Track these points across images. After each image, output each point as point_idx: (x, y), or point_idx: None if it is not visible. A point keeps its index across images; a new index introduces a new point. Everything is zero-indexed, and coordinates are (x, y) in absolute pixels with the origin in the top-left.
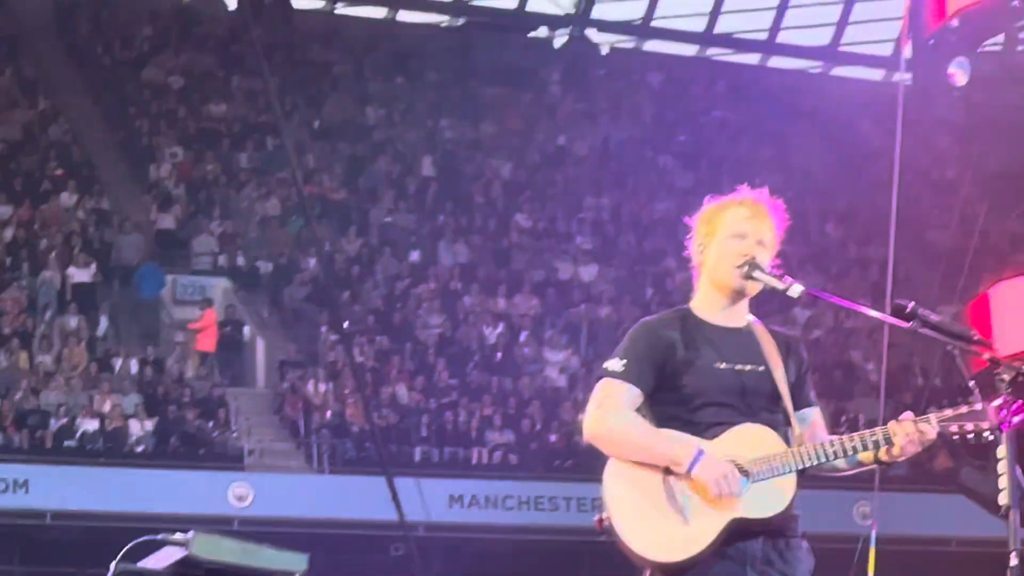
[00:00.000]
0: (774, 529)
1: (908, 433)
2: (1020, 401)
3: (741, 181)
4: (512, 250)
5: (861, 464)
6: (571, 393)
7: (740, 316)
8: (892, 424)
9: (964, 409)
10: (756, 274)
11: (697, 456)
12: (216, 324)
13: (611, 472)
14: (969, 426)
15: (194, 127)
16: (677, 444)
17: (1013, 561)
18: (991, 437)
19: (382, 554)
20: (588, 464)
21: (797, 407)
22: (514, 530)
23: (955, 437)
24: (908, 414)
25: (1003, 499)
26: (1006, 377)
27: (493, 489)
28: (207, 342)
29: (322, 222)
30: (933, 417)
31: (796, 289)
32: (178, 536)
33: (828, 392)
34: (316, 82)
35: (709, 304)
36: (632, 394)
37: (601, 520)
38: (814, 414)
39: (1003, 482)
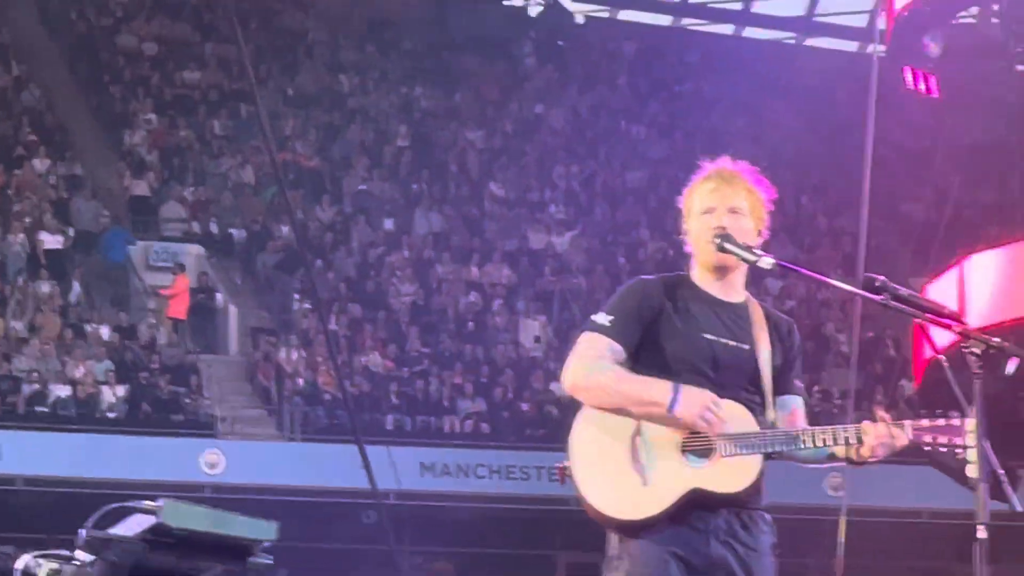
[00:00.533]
0: (738, 502)
1: (880, 435)
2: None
3: (714, 152)
4: (485, 219)
5: (831, 459)
6: (543, 362)
7: (736, 291)
8: (866, 424)
9: (941, 421)
10: (727, 246)
11: (675, 394)
12: (188, 291)
13: (581, 422)
14: (943, 439)
15: (168, 94)
16: (654, 385)
17: (981, 533)
18: (964, 454)
19: (353, 522)
20: (559, 433)
21: (779, 392)
22: (485, 499)
23: (927, 448)
24: (884, 415)
25: (972, 472)
26: (976, 351)
27: (465, 458)
28: (179, 309)
29: (296, 190)
30: (909, 425)
31: (767, 261)
32: (148, 503)
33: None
34: (290, 50)
35: (702, 277)
36: (614, 349)
37: (563, 468)
38: (796, 402)
39: (972, 455)
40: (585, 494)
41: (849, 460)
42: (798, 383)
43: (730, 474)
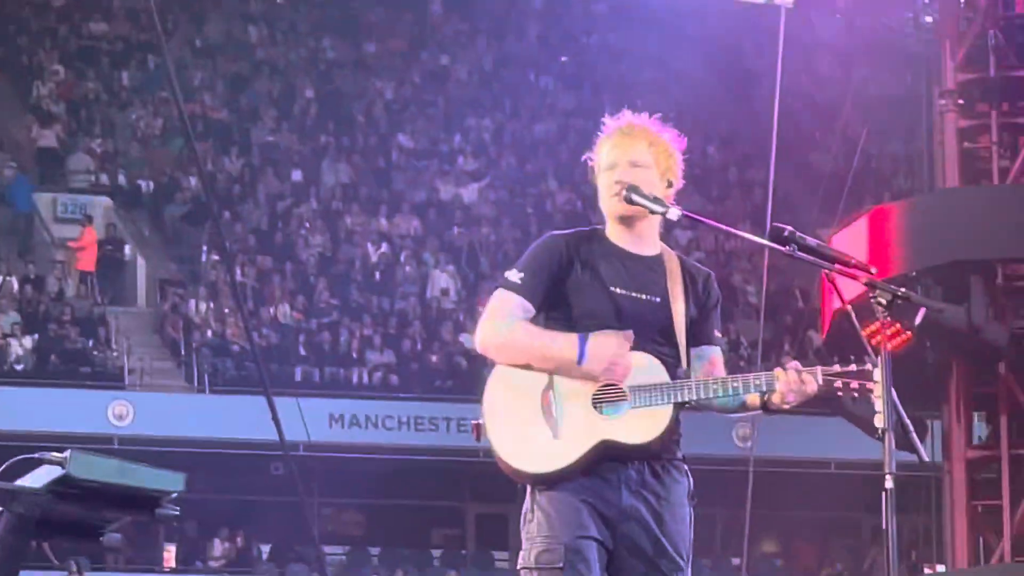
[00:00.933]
0: (651, 452)
1: (791, 382)
2: (897, 324)
3: (622, 104)
4: (394, 170)
5: (746, 407)
6: (452, 314)
7: (649, 244)
8: (778, 371)
9: (852, 367)
10: (634, 197)
11: (582, 347)
12: (96, 243)
13: (493, 379)
14: (854, 384)
15: (75, 45)
16: (561, 340)
17: (888, 483)
18: (876, 398)
19: (262, 473)
20: (468, 384)
21: (698, 343)
22: (394, 450)
23: (839, 393)
24: (795, 364)
25: (879, 422)
26: (883, 301)
27: (373, 409)
28: (88, 261)
29: (203, 141)
30: (819, 371)
31: (674, 212)
32: (55, 455)
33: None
34: (198, 1)
35: (614, 230)
36: (524, 307)
37: (478, 425)
38: (714, 352)
39: (879, 405)
40: (498, 449)
41: (763, 407)
42: (716, 334)
43: (640, 425)
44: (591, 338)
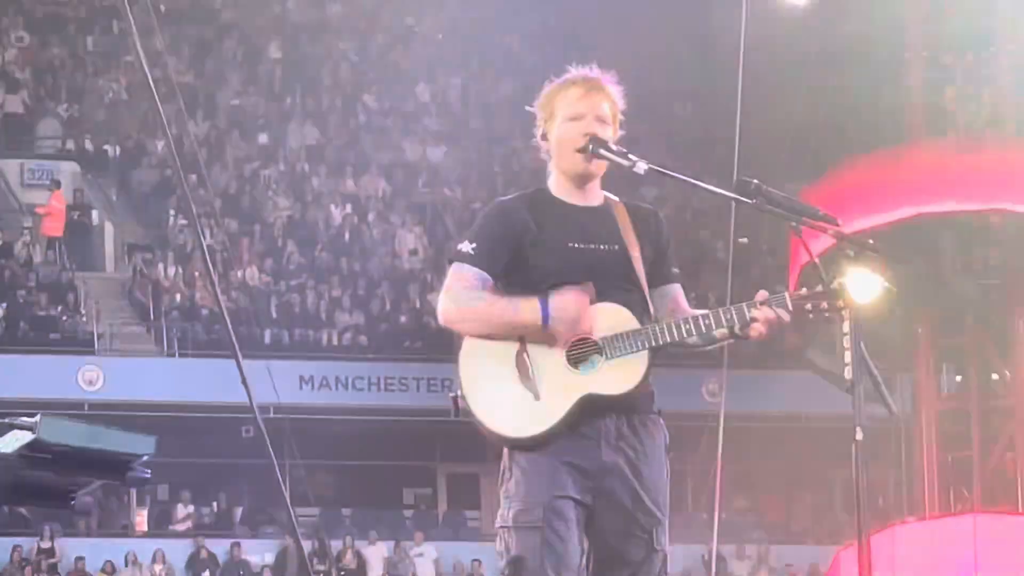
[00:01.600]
0: (627, 406)
1: (765, 312)
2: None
3: (587, 62)
4: (360, 131)
5: (716, 341)
6: (420, 274)
7: (595, 195)
8: (747, 303)
9: (820, 288)
10: (603, 152)
11: (545, 310)
12: (64, 208)
13: (466, 351)
14: (824, 304)
15: (40, 11)
16: (523, 305)
17: (858, 435)
18: (846, 317)
19: (233, 436)
20: (437, 344)
21: (657, 283)
22: (364, 411)
23: (810, 315)
24: (763, 293)
25: (848, 374)
26: (851, 253)
27: (343, 370)
28: (55, 227)
29: (169, 105)
30: (787, 296)
31: (641, 166)
32: (25, 419)
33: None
34: None
35: (561, 186)
36: (482, 278)
37: (456, 398)
38: (674, 289)
39: (848, 357)
40: (481, 419)
41: (735, 336)
42: (674, 270)
43: (619, 375)
44: (552, 298)
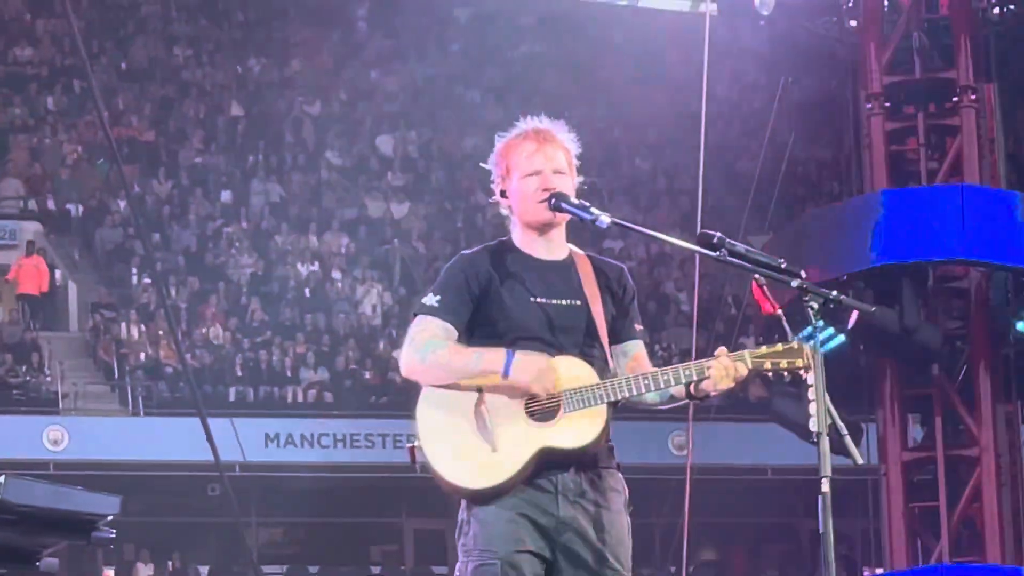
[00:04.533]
0: (587, 460)
1: (724, 367)
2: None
3: (550, 115)
4: (323, 188)
5: (674, 399)
6: (384, 330)
7: (559, 248)
8: (706, 360)
9: (779, 346)
10: (564, 206)
11: (508, 360)
12: (41, 266)
13: (424, 400)
14: (783, 363)
15: (1, 71)
16: (487, 355)
17: (824, 487)
18: (805, 375)
19: (199, 495)
20: (403, 400)
21: (619, 340)
22: (330, 468)
23: (770, 374)
24: (722, 349)
25: (813, 426)
26: (815, 305)
27: (308, 427)
28: (30, 285)
29: (131, 164)
30: (747, 354)
31: (603, 220)
32: None
33: (642, 324)
34: (123, 24)
35: (524, 238)
36: (446, 329)
37: (413, 448)
38: (636, 348)
39: (813, 409)
40: (438, 469)
41: (691, 396)
42: (637, 327)
43: (577, 428)
44: (517, 354)
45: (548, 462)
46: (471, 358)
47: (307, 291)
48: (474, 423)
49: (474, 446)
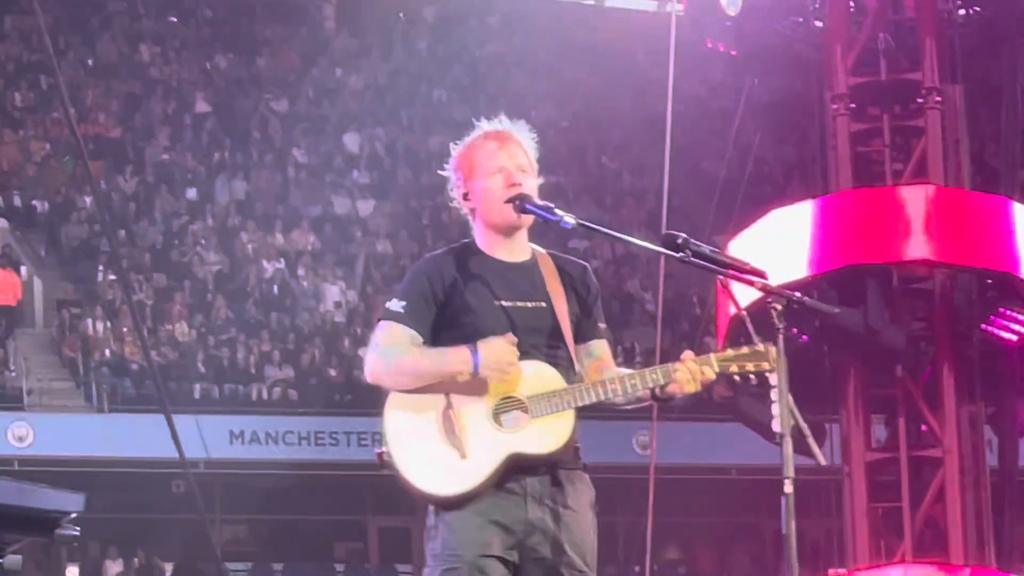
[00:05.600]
0: (554, 463)
1: (691, 371)
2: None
3: (516, 115)
4: (289, 186)
5: (639, 400)
6: (350, 328)
7: (522, 249)
8: (675, 364)
9: (745, 349)
10: (528, 207)
11: (475, 356)
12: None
13: (391, 406)
14: (750, 366)
15: None
16: (452, 354)
17: (787, 487)
18: (767, 377)
19: (163, 491)
20: (368, 398)
21: (584, 339)
22: (295, 465)
23: (736, 378)
24: (688, 353)
25: (776, 426)
26: (778, 306)
27: (273, 425)
28: (6, 296)
29: (98, 160)
30: (713, 357)
31: (568, 221)
32: None
33: (606, 322)
34: (89, 20)
35: (488, 240)
36: (411, 335)
37: (381, 454)
38: (601, 347)
39: (776, 409)
40: (407, 476)
41: (656, 398)
42: (601, 325)
43: (544, 434)
44: (481, 346)
45: (516, 466)
46: (438, 359)
47: (273, 289)
48: (442, 429)
49: (442, 452)
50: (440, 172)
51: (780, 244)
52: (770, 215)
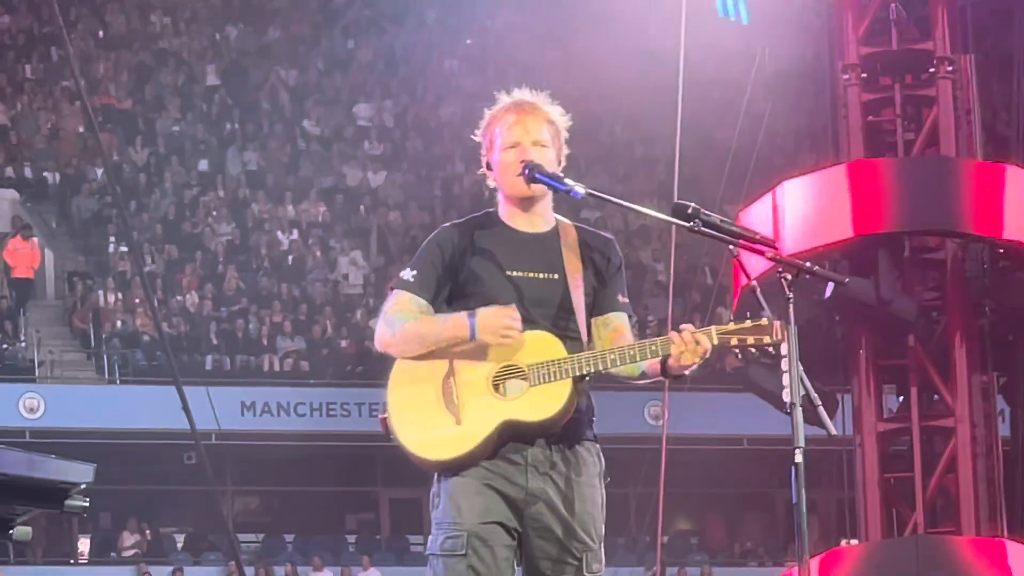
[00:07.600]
0: (558, 433)
1: (685, 342)
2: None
3: (528, 84)
4: (300, 157)
5: (646, 376)
6: (361, 299)
7: (544, 221)
8: (672, 334)
9: (748, 323)
10: (539, 177)
11: (472, 321)
12: (32, 249)
13: (394, 373)
14: (750, 340)
15: None
16: (451, 320)
17: (797, 457)
18: (773, 350)
19: (175, 463)
20: (379, 369)
21: (601, 311)
22: (306, 436)
23: (736, 350)
24: (688, 325)
25: (787, 396)
26: (788, 276)
27: (285, 396)
28: (24, 268)
29: (109, 132)
30: (713, 329)
31: (578, 190)
32: None
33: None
34: None
35: (508, 211)
36: (419, 304)
37: (384, 420)
38: (619, 319)
39: (787, 379)
40: (403, 441)
41: (664, 374)
42: (621, 299)
43: (540, 402)
44: (479, 311)
45: (514, 434)
46: (438, 326)
47: (284, 260)
48: (441, 396)
49: (438, 419)
50: (453, 139)
51: (791, 214)
52: (780, 184)
